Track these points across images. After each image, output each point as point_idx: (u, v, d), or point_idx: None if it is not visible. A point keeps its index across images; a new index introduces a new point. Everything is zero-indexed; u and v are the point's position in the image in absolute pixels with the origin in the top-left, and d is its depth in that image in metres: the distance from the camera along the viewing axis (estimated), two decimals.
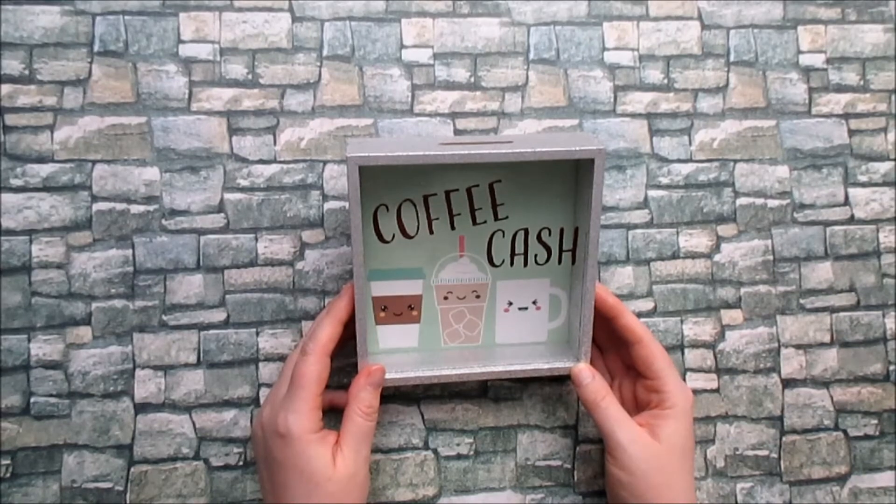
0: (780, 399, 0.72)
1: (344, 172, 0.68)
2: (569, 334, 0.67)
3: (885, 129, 0.73)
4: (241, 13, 0.67)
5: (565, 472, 0.71)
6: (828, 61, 0.73)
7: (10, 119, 0.65)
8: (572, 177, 0.62)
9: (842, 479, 0.73)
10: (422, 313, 0.66)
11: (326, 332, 0.59)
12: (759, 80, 0.72)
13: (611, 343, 0.68)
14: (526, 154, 0.56)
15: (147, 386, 0.67)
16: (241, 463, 0.68)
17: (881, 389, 0.73)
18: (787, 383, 0.73)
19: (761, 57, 0.72)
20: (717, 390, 0.72)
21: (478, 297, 0.65)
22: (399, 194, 0.61)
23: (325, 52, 0.68)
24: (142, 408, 0.67)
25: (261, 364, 0.68)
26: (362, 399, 0.60)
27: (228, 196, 0.67)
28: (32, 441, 0.66)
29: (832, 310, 0.73)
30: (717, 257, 0.72)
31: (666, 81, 0.71)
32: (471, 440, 0.70)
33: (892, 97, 0.73)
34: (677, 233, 0.71)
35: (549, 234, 0.64)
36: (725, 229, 0.72)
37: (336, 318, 0.60)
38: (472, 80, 0.69)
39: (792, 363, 0.73)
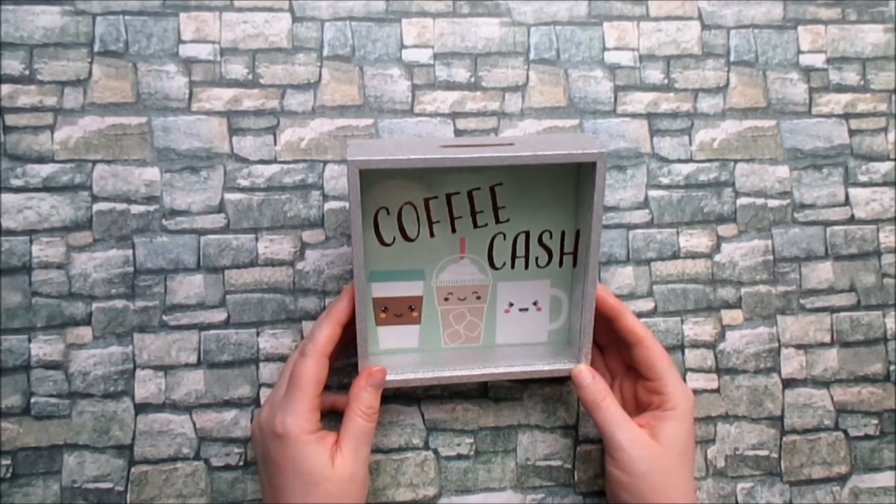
0: (780, 399, 0.73)
1: (344, 172, 0.68)
2: (569, 335, 0.67)
3: (885, 129, 0.73)
4: (242, 13, 0.67)
5: (565, 473, 0.71)
6: (828, 61, 0.73)
7: (11, 119, 0.65)
8: (573, 179, 0.62)
9: (842, 479, 0.73)
10: (422, 314, 0.66)
11: (325, 334, 0.59)
12: (760, 80, 0.72)
13: (611, 343, 0.68)
14: (527, 157, 0.56)
15: (147, 386, 0.67)
16: (241, 463, 0.68)
17: (881, 389, 0.74)
18: (788, 383, 0.73)
19: (761, 57, 0.72)
20: (717, 390, 0.72)
21: (478, 298, 0.65)
22: (400, 197, 0.61)
23: (325, 52, 0.68)
24: (142, 408, 0.67)
25: (261, 364, 0.68)
26: (363, 399, 0.60)
27: (229, 196, 0.67)
28: (33, 441, 0.66)
29: (832, 310, 0.73)
30: (717, 257, 0.72)
31: (666, 81, 0.71)
32: (471, 440, 0.70)
33: (893, 97, 0.73)
34: (677, 233, 0.71)
35: (551, 237, 0.64)
36: (726, 229, 0.72)
37: (335, 320, 0.60)
38: (473, 80, 0.69)
39: (792, 363, 0.73)
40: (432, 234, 0.62)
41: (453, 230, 0.63)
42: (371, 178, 0.58)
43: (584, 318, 0.62)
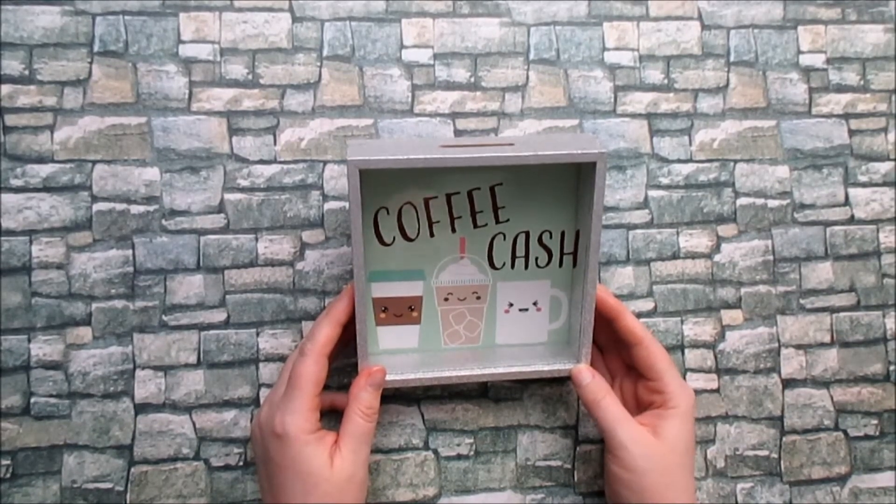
0: (780, 399, 0.73)
1: (344, 173, 0.68)
2: (569, 335, 0.67)
3: (885, 129, 0.73)
4: (241, 13, 0.67)
5: (565, 473, 0.71)
6: (828, 61, 0.73)
7: (10, 119, 0.65)
8: (573, 179, 0.62)
9: (842, 480, 0.73)
10: (422, 314, 0.66)
11: (324, 333, 0.59)
12: (760, 80, 0.72)
13: (611, 343, 0.68)
14: (527, 157, 0.56)
15: (147, 386, 0.67)
16: (241, 463, 0.68)
17: (881, 389, 0.73)
18: (788, 383, 0.73)
19: (761, 57, 0.72)
20: (717, 390, 0.72)
21: (478, 298, 0.65)
22: (399, 197, 0.61)
23: (325, 53, 0.68)
24: (142, 408, 0.67)
25: (261, 364, 0.68)
26: (362, 399, 0.60)
27: (228, 196, 0.67)
28: (32, 441, 0.66)
29: (832, 310, 0.73)
30: (717, 257, 0.72)
31: (666, 81, 0.71)
32: (471, 440, 0.70)
33: (893, 97, 0.73)
34: (677, 233, 0.71)
35: (550, 238, 0.64)
36: (725, 229, 0.72)
37: (335, 320, 0.60)
38: (473, 80, 0.69)
39: (792, 363, 0.73)
40: (432, 234, 0.62)
41: (453, 230, 0.63)
42: (371, 178, 0.58)
43: (583, 319, 0.62)
